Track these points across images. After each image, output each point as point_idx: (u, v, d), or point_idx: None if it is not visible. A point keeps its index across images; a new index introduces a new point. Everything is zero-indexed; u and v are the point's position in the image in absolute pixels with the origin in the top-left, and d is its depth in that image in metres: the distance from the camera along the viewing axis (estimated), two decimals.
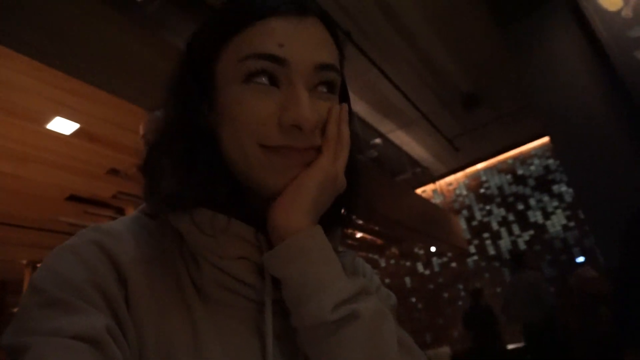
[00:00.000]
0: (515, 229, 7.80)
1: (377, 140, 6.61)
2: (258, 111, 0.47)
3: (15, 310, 0.42)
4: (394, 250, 8.83)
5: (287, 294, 0.47)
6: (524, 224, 7.72)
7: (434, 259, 8.53)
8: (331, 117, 0.51)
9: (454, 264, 8.31)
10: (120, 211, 4.34)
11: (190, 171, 0.48)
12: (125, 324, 0.43)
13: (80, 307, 0.41)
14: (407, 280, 8.70)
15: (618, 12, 2.15)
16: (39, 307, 0.40)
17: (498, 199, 8.11)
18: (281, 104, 0.47)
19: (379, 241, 8.12)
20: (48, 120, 2.81)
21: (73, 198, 3.98)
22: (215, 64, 0.50)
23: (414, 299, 8.46)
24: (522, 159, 7.98)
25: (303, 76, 0.48)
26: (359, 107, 5.79)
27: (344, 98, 0.58)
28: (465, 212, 8.40)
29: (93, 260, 0.45)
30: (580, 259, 6.98)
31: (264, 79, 0.47)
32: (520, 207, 7.83)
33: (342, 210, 0.59)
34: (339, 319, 0.44)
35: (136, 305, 0.45)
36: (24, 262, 5.28)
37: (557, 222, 7.40)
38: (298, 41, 0.48)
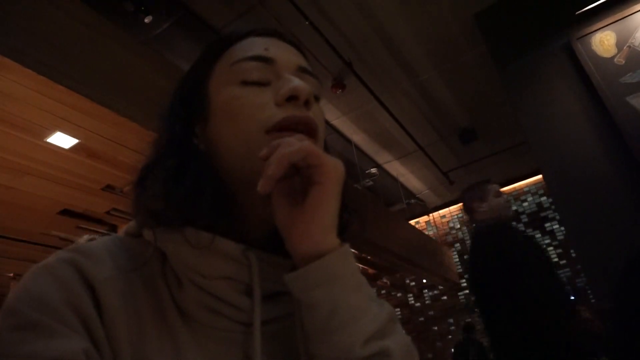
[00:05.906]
0: None
1: (373, 170, 6.64)
2: (256, 99, 0.51)
3: None
4: (386, 280, 8.76)
5: (311, 319, 0.44)
6: None
7: (425, 291, 8.45)
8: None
9: (445, 297, 8.23)
10: (114, 228, 4.30)
11: (177, 187, 0.48)
12: (102, 346, 0.42)
13: (56, 329, 0.39)
14: (397, 311, 8.59)
15: (611, 59, 2.22)
16: (14, 330, 0.39)
17: None
18: (274, 92, 0.52)
19: (371, 271, 8.06)
20: (49, 134, 2.82)
21: (66, 212, 3.94)
22: (208, 79, 0.56)
23: (404, 331, 8.32)
24: (516, 195, 8.03)
25: (290, 72, 0.54)
26: (358, 137, 5.84)
27: None
28: (457, 245, 8.39)
29: (69, 281, 0.44)
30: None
31: (255, 79, 0.52)
32: None
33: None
34: (369, 355, 0.42)
35: (110, 327, 0.43)
36: (11, 274, 5.19)
37: None
38: (280, 47, 0.56)
